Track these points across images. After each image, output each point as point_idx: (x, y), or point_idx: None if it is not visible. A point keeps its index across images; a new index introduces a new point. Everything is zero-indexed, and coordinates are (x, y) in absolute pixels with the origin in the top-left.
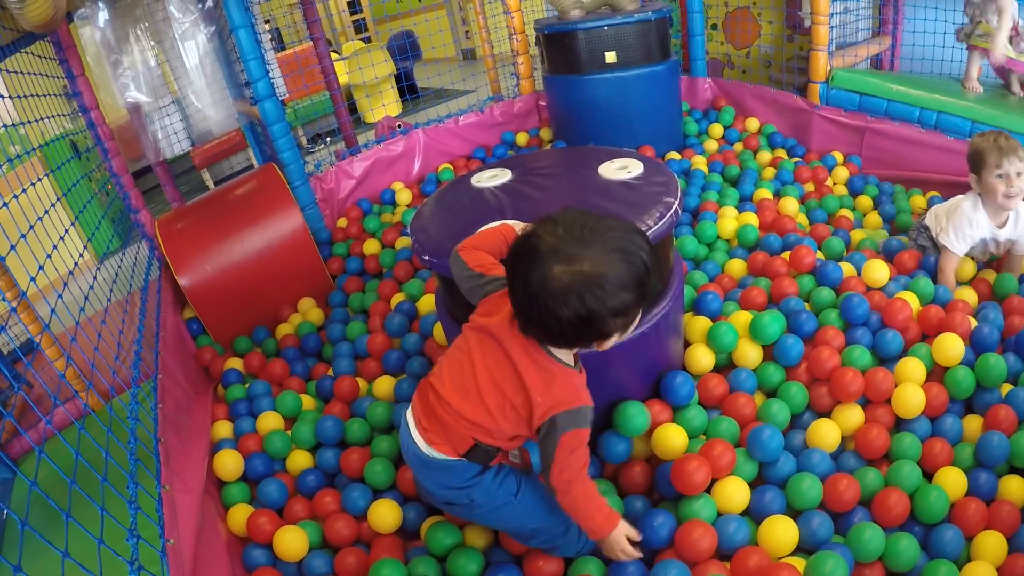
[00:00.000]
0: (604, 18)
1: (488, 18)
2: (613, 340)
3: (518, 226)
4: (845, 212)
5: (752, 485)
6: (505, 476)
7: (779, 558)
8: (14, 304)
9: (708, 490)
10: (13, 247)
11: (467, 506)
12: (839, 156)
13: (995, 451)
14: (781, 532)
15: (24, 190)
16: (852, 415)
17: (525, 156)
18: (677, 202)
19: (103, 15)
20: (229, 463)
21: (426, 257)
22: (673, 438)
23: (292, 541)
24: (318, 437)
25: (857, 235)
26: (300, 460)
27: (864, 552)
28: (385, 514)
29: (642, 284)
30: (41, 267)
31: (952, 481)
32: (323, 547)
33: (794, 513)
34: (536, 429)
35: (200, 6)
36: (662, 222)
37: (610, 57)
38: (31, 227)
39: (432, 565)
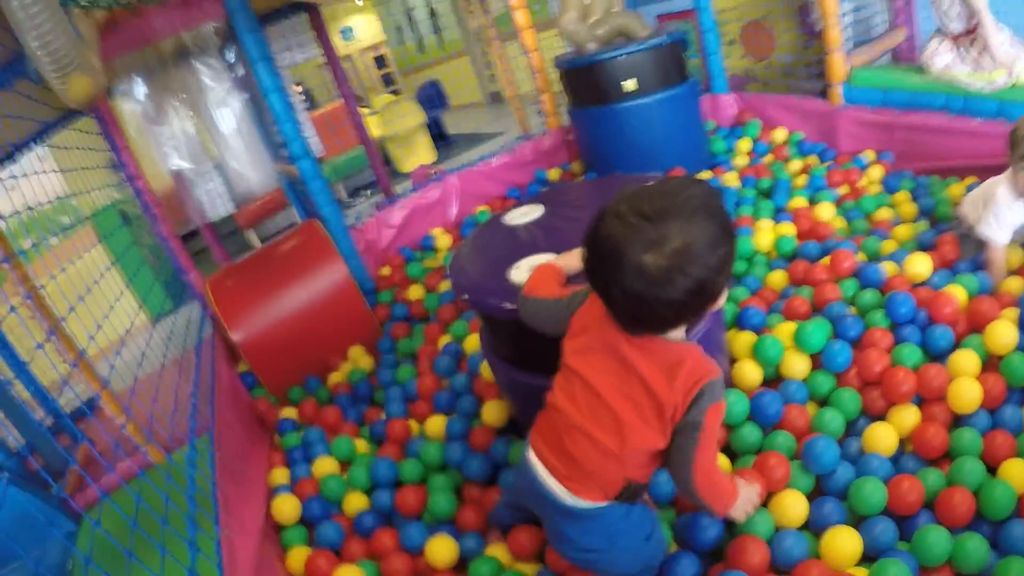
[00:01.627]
0: (619, 48)
1: (509, 60)
2: (723, 295)
3: (558, 260)
4: (883, 211)
5: (811, 498)
6: (641, 514)
7: (844, 569)
8: (75, 362)
9: (765, 504)
10: (72, 308)
11: (607, 551)
12: (871, 155)
13: None
14: (844, 542)
15: (80, 257)
16: (908, 416)
17: (553, 190)
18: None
19: (141, 89)
20: (287, 507)
21: (466, 296)
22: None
23: None
24: (373, 478)
25: (901, 231)
26: (356, 502)
27: (930, 556)
28: (440, 549)
29: (728, 228)
30: (99, 326)
31: (1017, 473)
32: None
33: (857, 522)
34: (674, 428)
35: (232, 74)
36: None
37: (629, 85)
38: (88, 290)
39: None
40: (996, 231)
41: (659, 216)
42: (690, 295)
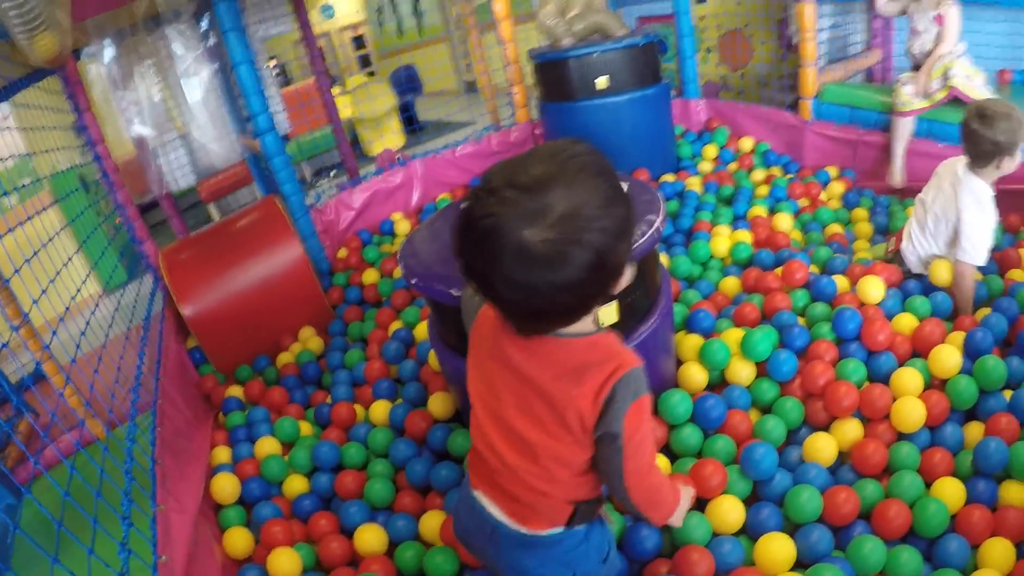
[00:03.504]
0: (594, 45)
1: (486, 50)
2: (627, 272)
3: None
4: (837, 227)
5: (748, 503)
6: (599, 535)
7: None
8: (17, 326)
9: (701, 509)
10: (17, 271)
11: None
12: (833, 171)
13: (992, 458)
14: (778, 549)
15: (29, 218)
16: (849, 429)
17: None
18: (659, 219)
19: (109, 52)
20: (226, 486)
21: (414, 281)
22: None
23: (286, 563)
24: (315, 461)
25: (860, 248)
26: (296, 484)
27: (865, 565)
28: (371, 539)
29: (620, 188)
30: (44, 291)
31: (951, 492)
32: (316, 569)
33: (792, 529)
34: (592, 431)
35: (204, 43)
36: (644, 239)
37: (601, 83)
38: (35, 253)
39: None
40: (980, 251)
41: (538, 184)
42: (589, 270)
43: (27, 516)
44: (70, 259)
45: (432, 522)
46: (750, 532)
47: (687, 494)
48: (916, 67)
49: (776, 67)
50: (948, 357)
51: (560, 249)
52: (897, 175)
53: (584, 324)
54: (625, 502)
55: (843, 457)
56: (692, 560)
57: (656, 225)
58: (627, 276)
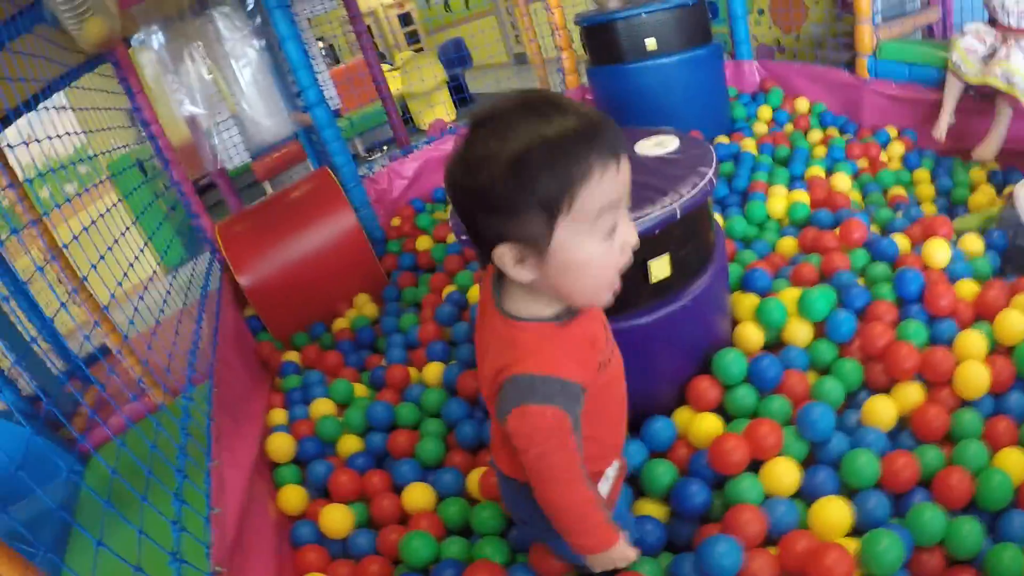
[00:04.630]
0: (642, 6)
1: (533, 18)
2: (520, 256)
3: None
4: (899, 188)
5: (805, 466)
6: None
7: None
8: (75, 288)
9: (755, 471)
10: (94, 266)
11: (537, 525)
12: (893, 131)
13: None
14: (833, 513)
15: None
16: (910, 393)
17: None
18: (712, 171)
19: (158, 38)
20: (282, 445)
21: (464, 237)
22: (710, 426)
23: (337, 519)
24: (369, 421)
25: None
26: (350, 444)
27: (924, 534)
28: (419, 496)
29: (533, 163)
30: (94, 266)
31: (1015, 463)
32: (369, 525)
33: (849, 494)
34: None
35: (250, 23)
36: (695, 190)
37: (650, 44)
38: (109, 248)
39: (463, 543)
40: None
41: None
42: (473, 192)
43: (92, 479)
44: (127, 230)
45: (477, 478)
46: (805, 495)
47: (622, 551)
48: (991, 21)
49: (830, 27)
50: (1014, 323)
51: (472, 164)
52: (942, 130)
53: (525, 306)
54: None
55: (903, 422)
56: (744, 520)
57: (708, 176)
58: (557, 230)
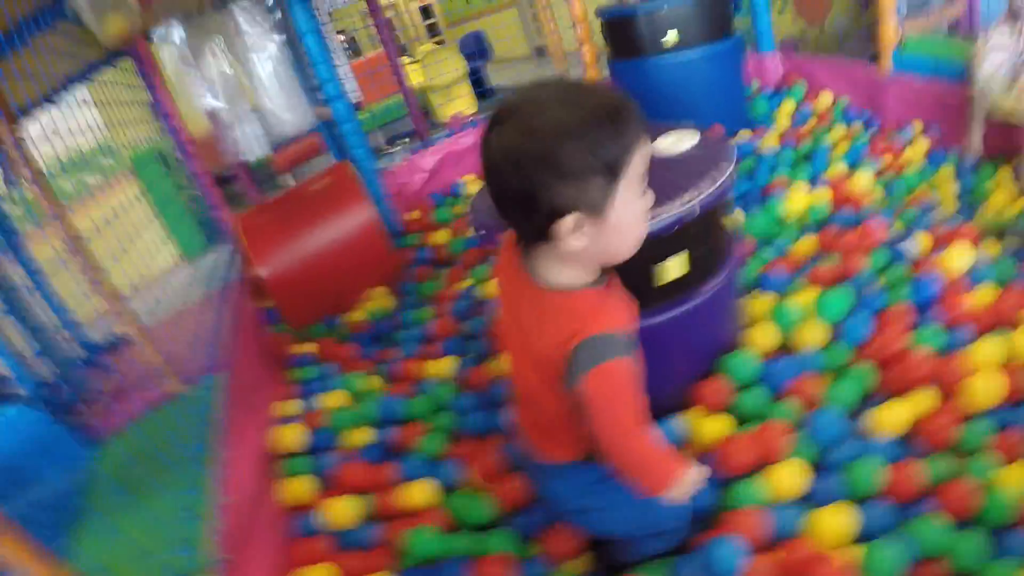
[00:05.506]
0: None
1: (554, 11)
2: (580, 225)
3: None
4: (922, 186)
5: (815, 471)
6: None
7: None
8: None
9: (762, 474)
10: (116, 259)
11: (600, 511)
12: (917, 127)
13: None
14: (838, 520)
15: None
16: (923, 399)
17: None
18: (732, 167)
19: (178, 33)
20: (292, 435)
21: (482, 232)
22: (720, 428)
23: (344, 510)
24: (381, 414)
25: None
26: (362, 435)
27: (929, 545)
28: (425, 491)
29: (595, 129)
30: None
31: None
32: (377, 518)
33: (857, 501)
34: (566, 387)
35: (271, 17)
36: (715, 186)
37: (671, 38)
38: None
39: (469, 537)
40: None
41: (545, 98)
42: (520, 195)
43: (107, 465)
44: (150, 221)
45: (480, 467)
46: (813, 500)
47: (695, 472)
48: (1014, 14)
49: (855, 20)
50: None
51: (507, 160)
52: (976, 144)
53: (568, 276)
54: (610, 463)
55: (916, 429)
56: (748, 523)
57: (728, 172)
58: (575, 230)
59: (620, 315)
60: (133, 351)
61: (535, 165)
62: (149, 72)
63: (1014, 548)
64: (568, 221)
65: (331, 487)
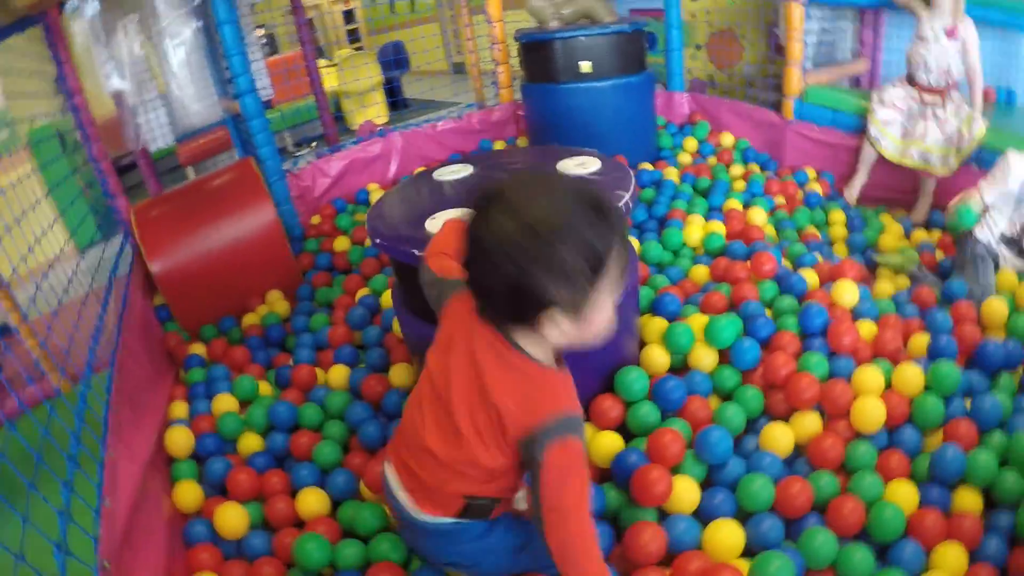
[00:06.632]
0: (580, 28)
1: (475, 29)
2: (560, 319)
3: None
4: (813, 228)
5: (702, 488)
6: (506, 529)
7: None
8: None
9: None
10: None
11: (472, 567)
12: (811, 172)
13: (950, 466)
14: (728, 534)
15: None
16: (808, 422)
17: (488, 153)
18: (629, 195)
19: (92, 6)
20: (180, 440)
21: (378, 241)
22: (611, 444)
23: (233, 518)
24: (271, 420)
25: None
26: (251, 442)
27: (816, 558)
28: (312, 502)
29: (587, 229)
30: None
31: (904, 494)
32: (264, 527)
33: (745, 517)
34: (516, 444)
35: (190, 1)
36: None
37: (585, 67)
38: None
39: (358, 546)
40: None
41: (541, 186)
42: (511, 288)
43: None
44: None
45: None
46: (703, 516)
47: None
48: (910, 78)
49: (763, 68)
50: (913, 377)
51: (501, 249)
52: (854, 192)
53: (541, 351)
54: (543, 539)
55: (800, 450)
56: (645, 538)
57: (626, 199)
58: (560, 325)
59: (576, 400)
60: (12, 343)
61: (528, 260)
62: (57, 43)
63: (899, 560)
64: (549, 314)
65: (218, 494)
